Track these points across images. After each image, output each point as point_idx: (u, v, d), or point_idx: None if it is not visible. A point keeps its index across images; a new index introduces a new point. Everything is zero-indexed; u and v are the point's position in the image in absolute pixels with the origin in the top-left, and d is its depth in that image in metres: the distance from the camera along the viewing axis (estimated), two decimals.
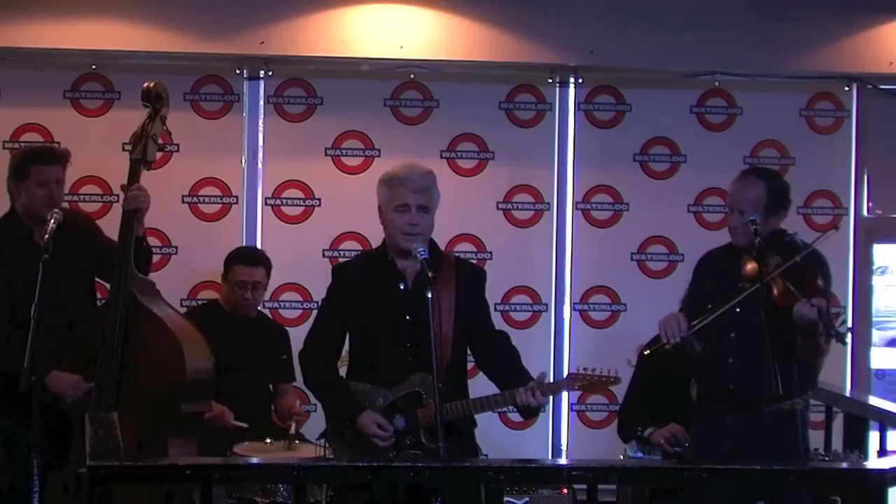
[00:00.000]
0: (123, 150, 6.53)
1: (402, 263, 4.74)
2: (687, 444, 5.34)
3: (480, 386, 4.88)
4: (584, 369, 4.85)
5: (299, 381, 6.23)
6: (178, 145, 6.50)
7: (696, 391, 5.08)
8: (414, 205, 4.67)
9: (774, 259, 4.76)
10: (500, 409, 4.99)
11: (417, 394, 4.65)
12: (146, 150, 5.13)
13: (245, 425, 5.45)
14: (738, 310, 4.75)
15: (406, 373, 4.67)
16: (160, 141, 5.21)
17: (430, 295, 4.35)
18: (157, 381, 4.96)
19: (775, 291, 4.70)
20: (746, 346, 4.79)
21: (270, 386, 6.09)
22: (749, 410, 4.76)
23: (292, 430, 5.57)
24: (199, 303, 6.56)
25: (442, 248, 4.99)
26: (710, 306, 4.84)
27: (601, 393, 6.78)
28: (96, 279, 5.48)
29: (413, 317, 4.63)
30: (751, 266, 4.79)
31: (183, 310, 6.22)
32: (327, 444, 4.82)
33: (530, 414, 4.79)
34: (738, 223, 4.88)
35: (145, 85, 5.21)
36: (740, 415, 4.80)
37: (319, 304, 4.98)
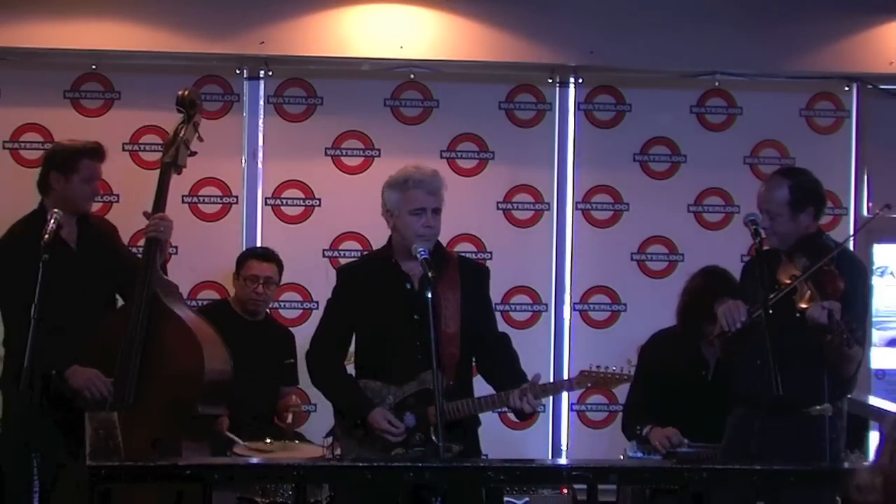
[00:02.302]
0: (123, 149, 6.59)
1: (407, 265, 4.78)
2: (683, 447, 5.35)
3: (480, 385, 4.90)
4: (597, 367, 4.86)
5: (303, 384, 6.27)
6: None
7: (731, 392, 5.05)
8: (429, 208, 4.74)
9: (802, 261, 4.73)
10: (495, 410, 5.05)
11: (428, 391, 4.67)
12: (178, 154, 5.22)
13: (239, 441, 5.43)
14: (770, 311, 4.70)
15: (415, 371, 4.70)
16: (191, 148, 5.30)
17: (429, 295, 4.36)
18: (175, 380, 5.00)
19: (798, 294, 4.67)
20: (775, 348, 4.74)
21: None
22: (776, 413, 4.72)
23: (289, 420, 5.58)
24: (201, 303, 6.56)
25: None
26: (750, 308, 4.83)
27: (602, 392, 6.78)
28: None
29: (421, 316, 4.64)
30: (785, 273, 4.76)
31: None
32: (335, 442, 4.85)
33: (524, 416, 4.84)
34: (766, 224, 4.87)
35: (179, 92, 5.32)
36: (767, 417, 4.75)
37: (325, 305, 5.00)
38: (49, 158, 5.41)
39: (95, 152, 5.41)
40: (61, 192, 5.33)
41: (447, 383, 4.67)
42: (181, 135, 5.24)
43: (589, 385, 4.93)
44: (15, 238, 5.31)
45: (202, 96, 5.42)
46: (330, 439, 4.90)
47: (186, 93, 5.31)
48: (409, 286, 4.76)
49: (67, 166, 5.32)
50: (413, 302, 4.71)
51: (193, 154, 5.33)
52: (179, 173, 5.33)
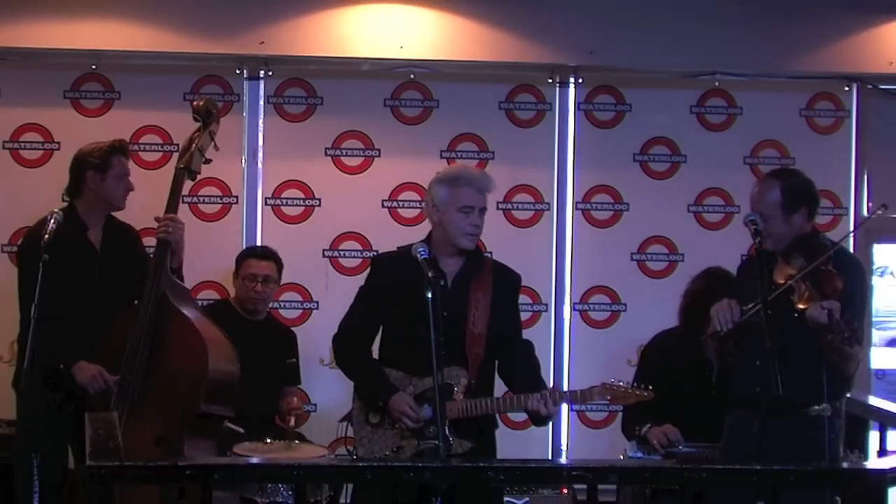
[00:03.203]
0: None
1: (444, 261, 4.83)
2: (680, 445, 5.35)
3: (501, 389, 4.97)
4: (619, 382, 4.90)
5: (304, 385, 6.28)
6: (177, 145, 6.50)
7: (729, 392, 5.06)
8: (478, 207, 4.82)
9: (799, 261, 4.74)
10: (510, 411, 5.13)
11: (448, 386, 4.72)
12: (192, 160, 5.28)
13: (241, 430, 5.45)
14: (768, 312, 4.69)
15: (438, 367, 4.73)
16: (206, 156, 5.36)
17: (429, 295, 4.36)
18: (179, 378, 5.04)
19: (796, 294, 4.67)
20: (774, 348, 4.74)
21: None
22: (775, 413, 4.71)
23: (291, 424, 5.61)
24: (202, 303, 6.55)
25: None
26: (744, 307, 4.83)
27: None
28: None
29: (450, 313, 4.66)
30: (781, 274, 4.77)
31: None
32: (349, 427, 4.92)
33: (540, 422, 4.90)
34: (762, 227, 4.87)
35: (194, 103, 5.42)
36: (766, 418, 4.73)
37: (357, 291, 5.04)
38: (82, 160, 5.42)
39: (124, 150, 5.49)
40: (97, 190, 5.38)
41: (469, 381, 4.78)
42: (196, 142, 5.30)
43: (608, 398, 4.97)
44: (38, 237, 5.31)
45: (217, 103, 5.50)
46: (345, 424, 4.96)
47: (202, 102, 5.39)
48: (442, 283, 4.77)
49: (103, 164, 5.37)
50: (444, 299, 4.72)
51: (208, 161, 5.40)
52: (193, 179, 5.39)
